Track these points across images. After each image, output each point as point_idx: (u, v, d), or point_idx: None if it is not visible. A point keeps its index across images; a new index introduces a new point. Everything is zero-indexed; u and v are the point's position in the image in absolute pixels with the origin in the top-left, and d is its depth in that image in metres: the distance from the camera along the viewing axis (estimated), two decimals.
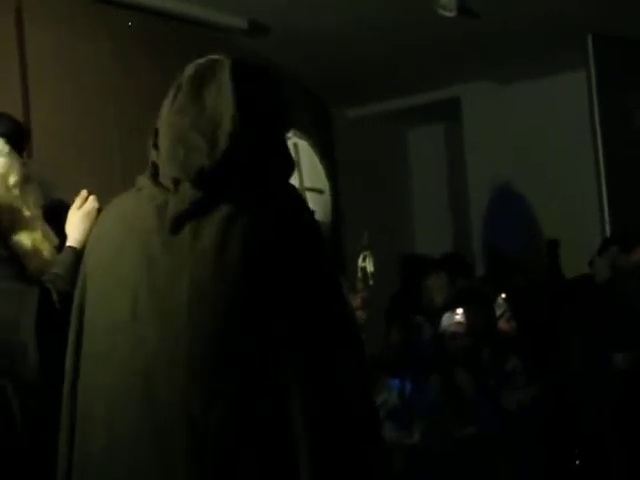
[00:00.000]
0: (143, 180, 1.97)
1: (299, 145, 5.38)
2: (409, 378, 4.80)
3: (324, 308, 1.87)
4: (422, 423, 4.66)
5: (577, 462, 5.60)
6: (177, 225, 1.84)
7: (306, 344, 1.82)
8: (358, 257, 5.23)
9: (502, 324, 5.39)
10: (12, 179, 2.65)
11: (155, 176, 1.95)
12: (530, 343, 5.48)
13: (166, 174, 1.90)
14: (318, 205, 5.16)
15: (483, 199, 8.50)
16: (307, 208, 1.99)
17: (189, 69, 2.04)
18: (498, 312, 5.39)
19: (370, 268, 5.17)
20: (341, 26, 6.78)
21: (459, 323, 5.19)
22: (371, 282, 5.18)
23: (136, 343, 1.83)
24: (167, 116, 1.97)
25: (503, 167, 8.28)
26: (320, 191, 5.29)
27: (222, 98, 1.90)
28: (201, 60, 2.05)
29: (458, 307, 5.18)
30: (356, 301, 4.93)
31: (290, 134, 5.22)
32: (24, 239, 2.60)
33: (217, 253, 1.80)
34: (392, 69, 7.78)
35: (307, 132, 8.03)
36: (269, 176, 1.91)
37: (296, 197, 1.99)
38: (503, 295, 5.50)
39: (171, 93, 2.00)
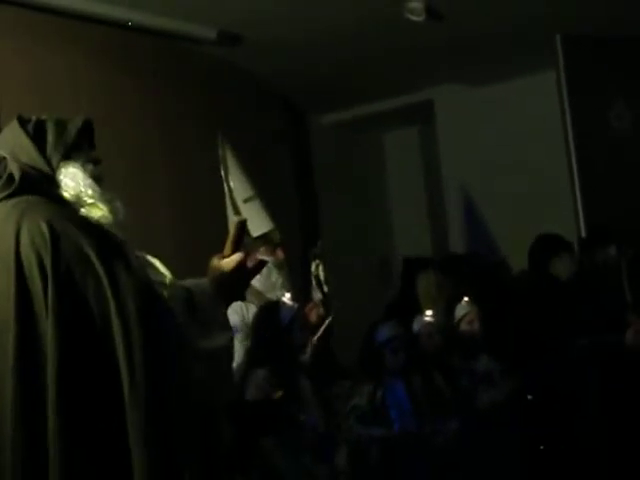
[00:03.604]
0: None
1: (227, 157, 5.43)
2: (382, 382, 4.83)
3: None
4: (399, 423, 4.70)
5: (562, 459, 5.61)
6: None
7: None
8: (310, 266, 5.31)
9: (463, 326, 5.44)
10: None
11: None
12: (502, 343, 5.52)
13: None
14: (256, 212, 5.23)
15: (459, 200, 8.55)
16: None
17: None
18: (460, 314, 5.44)
19: (322, 276, 5.26)
20: (311, 34, 6.81)
21: (430, 324, 5.24)
22: (326, 289, 5.26)
23: None
24: None
25: (478, 168, 8.33)
26: (252, 198, 5.35)
27: None
28: None
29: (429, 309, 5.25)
30: (312, 318, 5.00)
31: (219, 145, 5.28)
32: None
33: None
34: (364, 75, 7.82)
35: (281, 140, 8.13)
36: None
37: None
38: (466, 298, 5.54)
39: None
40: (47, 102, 5.42)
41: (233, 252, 2.44)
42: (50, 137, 2.38)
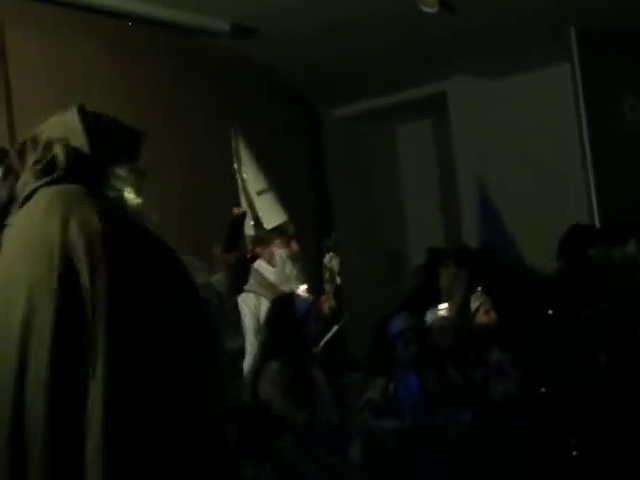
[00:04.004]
0: None
1: (240, 149, 5.42)
2: (395, 376, 4.82)
3: None
4: (412, 414, 4.69)
5: (574, 452, 5.61)
6: None
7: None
8: (324, 258, 5.32)
9: (480, 317, 5.42)
10: None
11: None
12: (515, 334, 5.50)
13: None
14: (270, 204, 5.24)
15: (471, 193, 8.53)
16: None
17: None
18: (475, 305, 5.43)
19: (336, 268, 5.26)
20: (325, 26, 6.80)
21: (444, 318, 5.23)
22: (338, 281, 5.26)
23: None
24: None
25: (491, 161, 8.31)
26: (265, 190, 5.35)
27: None
28: None
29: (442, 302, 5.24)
30: (324, 310, 5.01)
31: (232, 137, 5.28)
32: None
33: None
34: (377, 67, 7.81)
35: (294, 133, 8.12)
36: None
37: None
38: (480, 288, 5.52)
39: None
40: (59, 94, 5.43)
41: (233, 244, 2.45)
42: (104, 133, 2.32)
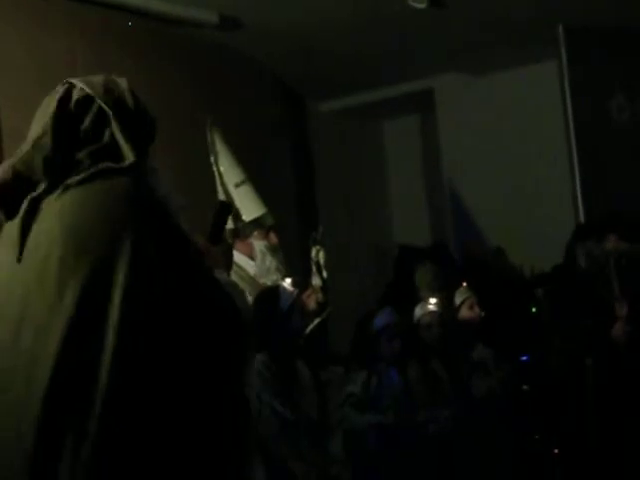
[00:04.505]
0: None
1: (216, 142, 5.40)
2: (377, 370, 4.83)
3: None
4: (394, 409, 4.70)
5: (555, 450, 5.62)
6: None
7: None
8: (310, 251, 5.32)
9: (464, 312, 5.42)
10: None
11: None
12: (499, 329, 5.52)
13: None
14: (248, 196, 5.23)
15: (457, 189, 8.54)
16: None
17: None
18: (459, 300, 5.43)
19: (322, 262, 5.26)
20: (313, 20, 6.79)
21: (432, 312, 5.23)
22: (325, 274, 5.26)
23: None
24: None
25: (477, 157, 8.31)
26: (243, 182, 5.35)
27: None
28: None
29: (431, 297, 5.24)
30: (310, 304, 5.00)
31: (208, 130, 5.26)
32: None
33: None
34: (365, 62, 7.80)
35: (281, 127, 8.11)
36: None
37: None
38: (464, 283, 5.53)
39: None
40: (45, 84, 5.38)
41: (217, 236, 2.43)
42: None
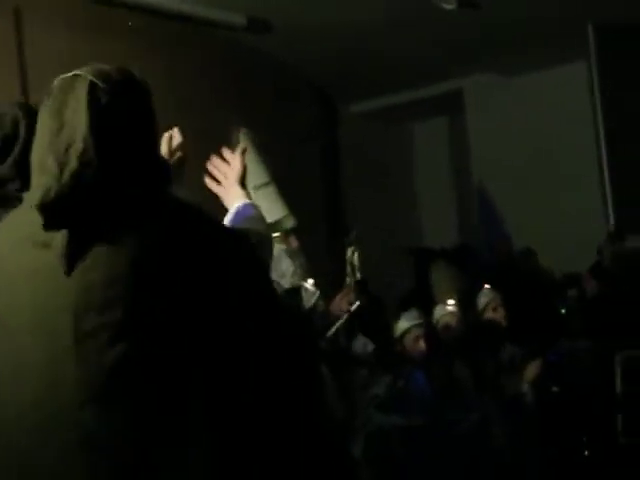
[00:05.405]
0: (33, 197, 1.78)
1: (240, 143, 5.35)
2: (403, 373, 4.81)
3: (234, 325, 1.77)
4: (420, 412, 4.68)
5: (586, 452, 5.59)
6: (69, 266, 1.72)
7: (212, 362, 1.73)
8: (346, 252, 5.31)
9: (489, 313, 5.40)
10: None
11: None
12: (527, 330, 5.49)
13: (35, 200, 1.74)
14: (269, 199, 5.18)
15: (488, 190, 8.51)
16: (200, 218, 1.86)
17: (53, 85, 1.85)
18: (483, 302, 5.41)
19: (356, 262, 5.26)
20: (342, 22, 6.79)
21: (452, 314, 5.21)
22: (359, 275, 5.25)
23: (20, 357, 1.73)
24: (36, 135, 1.84)
25: (507, 158, 8.28)
26: (264, 185, 5.29)
27: (77, 115, 1.77)
28: (65, 74, 1.84)
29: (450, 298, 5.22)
30: (343, 304, 4.99)
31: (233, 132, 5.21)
32: None
33: (106, 286, 1.70)
34: (394, 63, 7.79)
35: (310, 128, 8.12)
36: (141, 192, 1.80)
37: (180, 209, 1.84)
38: (487, 285, 5.51)
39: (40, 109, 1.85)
40: None
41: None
42: None
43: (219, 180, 2.53)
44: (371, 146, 9.00)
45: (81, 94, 1.78)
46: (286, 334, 1.91)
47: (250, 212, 2.46)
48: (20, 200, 1.89)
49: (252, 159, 5.22)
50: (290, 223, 5.13)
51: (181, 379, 1.70)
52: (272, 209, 5.08)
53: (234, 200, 2.49)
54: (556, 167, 7.93)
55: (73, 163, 1.72)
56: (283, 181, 5.72)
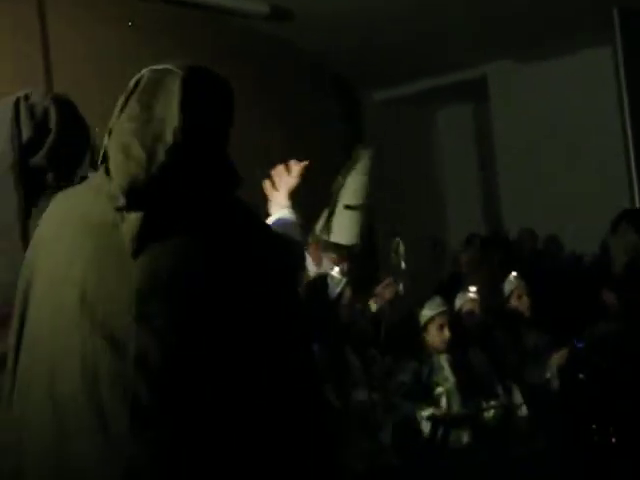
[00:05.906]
0: (99, 178, 1.87)
1: (361, 161, 5.22)
2: (427, 360, 4.80)
3: (280, 333, 1.85)
4: (446, 398, 4.67)
5: (613, 440, 5.55)
6: (137, 249, 1.78)
7: (257, 362, 1.80)
8: (391, 244, 5.34)
9: (513, 301, 5.38)
10: None
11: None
12: (553, 318, 5.45)
13: (114, 181, 1.82)
14: (350, 222, 5.06)
15: (513, 176, 8.47)
16: (258, 223, 1.97)
17: (144, 75, 1.90)
18: (508, 289, 5.39)
19: (402, 252, 5.29)
20: (365, 9, 6.78)
21: (473, 300, 5.20)
22: (403, 265, 5.28)
23: (81, 342, 1.77)
24: (117, 121, 1.87)
25: (532, 144, 8.24)
26: (355, 207, 5.15)
27: (169, 109, 1.83)
28: (157, 66, 1.91)
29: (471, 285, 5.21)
30: (386, 294, 5.01)
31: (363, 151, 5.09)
32: None
33: (174, 278, 1.78)
34: (418, 50, 7.77)
35: (334, 115, 8.10)
36: (213, 191, 1.87)
37: (245, 212, 1.92)
38: (514, 273, 5.48)
39: (122, 97, 1.89)
40: (98, 72, 5.52)
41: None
42: None
43: (275, 186, 2.62)
44: (395, 133, 8.96)
45: (173, 89, 1.84)
46: (304, 349, 1.95)
47: (289, 220, 2.53)
48: (57, 189, 1.98)
49: (359, 180, 5.08)
50: (355, 251, 5.03)
51: (225, 375, 1.76)
52: (350, 233, 4.97)
53: (277, 208, 2.57)
54: (581, 153, 7.88)
55: (161, 156, 1.78)
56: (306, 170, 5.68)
